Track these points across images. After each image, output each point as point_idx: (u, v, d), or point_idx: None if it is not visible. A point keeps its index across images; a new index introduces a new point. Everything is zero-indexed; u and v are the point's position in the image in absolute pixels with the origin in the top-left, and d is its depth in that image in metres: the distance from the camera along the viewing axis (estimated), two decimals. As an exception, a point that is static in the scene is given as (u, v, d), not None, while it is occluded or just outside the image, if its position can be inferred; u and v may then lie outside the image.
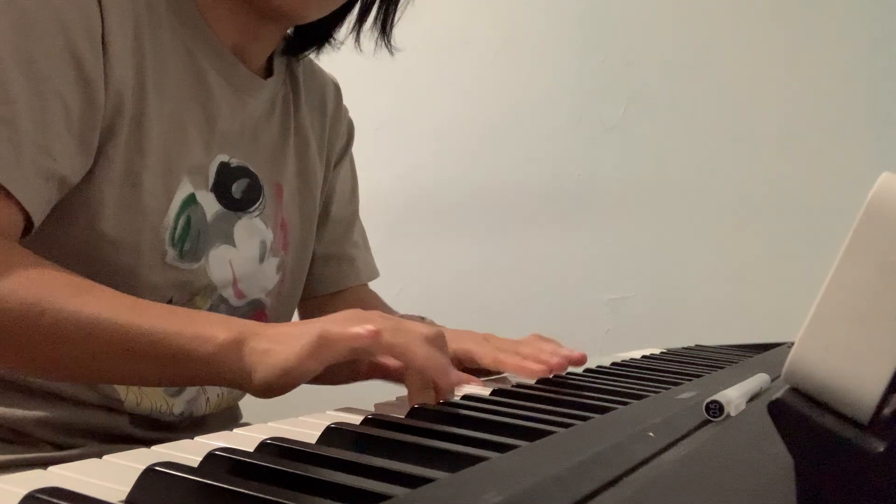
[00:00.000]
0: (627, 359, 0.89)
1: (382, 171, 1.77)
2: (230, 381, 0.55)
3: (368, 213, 1.03)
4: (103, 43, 0.63)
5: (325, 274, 0.94)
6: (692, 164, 1.57)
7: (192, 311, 0.61)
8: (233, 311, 0.77)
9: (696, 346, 1.13)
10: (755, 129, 1.53)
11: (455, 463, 0.36)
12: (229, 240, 0.76)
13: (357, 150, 0.99)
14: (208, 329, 0.55)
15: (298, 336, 0.54)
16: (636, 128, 1.61)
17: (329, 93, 0.93)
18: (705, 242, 1.55)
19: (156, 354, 0.55)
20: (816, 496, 0.26)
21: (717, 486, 0.32)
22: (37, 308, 0.55)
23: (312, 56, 0.89)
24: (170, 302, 0.71)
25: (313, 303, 0.96)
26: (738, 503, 0.30)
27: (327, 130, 0.92)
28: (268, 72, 0.82)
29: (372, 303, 0.98)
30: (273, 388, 0.54)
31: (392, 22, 0.85)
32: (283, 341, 0.54)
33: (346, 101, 0.97)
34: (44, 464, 0.35)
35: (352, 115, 0.98)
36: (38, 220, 0.60)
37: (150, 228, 0.67)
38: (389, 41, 0.86)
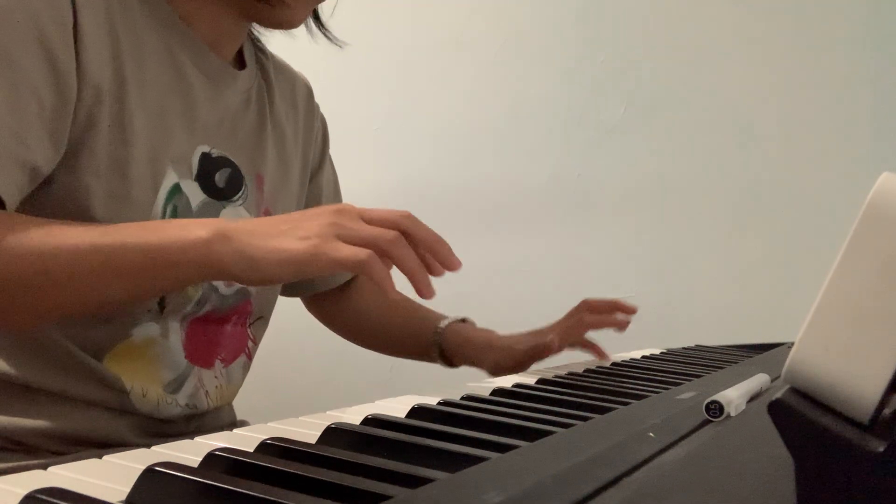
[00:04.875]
0: (627, 359, 0.89)
1: (382, 171, 1.77)
2: (228, 274, 0.59)
3: (368, 213, 1.03)
4: (75, 35, 0.64)
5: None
6: (692, 164, 1.57)
7: (160, 223, 0.64)
8: (223, 300, 0.78)
9: (696, 346, 1.13)
10: (755, 129, 1.53)
11: (455, 463, 0.36)
12: None
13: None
14: (188, 234, 0.59)
15: (290, 233, 0.58)
16: (636, 128, 1.61)
17: (299, 88, 0.94)
18: (705, 242, 1.55)
19: (149, 268, 0.59)
20: (816, 496, 0.26)
21: (717, 486, 0.32)
22: (36, 258, 0.57)
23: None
24: None
25: (321, 297, 1.01)
26: (738, 503, 0.30)
27: (301, 127, 0.92)
28: (239, 64, 0.83)
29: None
30: (273, 278, 0.59)
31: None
32: (273, 235, 0.58)
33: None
34: (43, 467, 0.35)
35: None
36: (11, 205, 0.61)
37: (139, 219, 0.67)
38: (322, 27, 0.88)
